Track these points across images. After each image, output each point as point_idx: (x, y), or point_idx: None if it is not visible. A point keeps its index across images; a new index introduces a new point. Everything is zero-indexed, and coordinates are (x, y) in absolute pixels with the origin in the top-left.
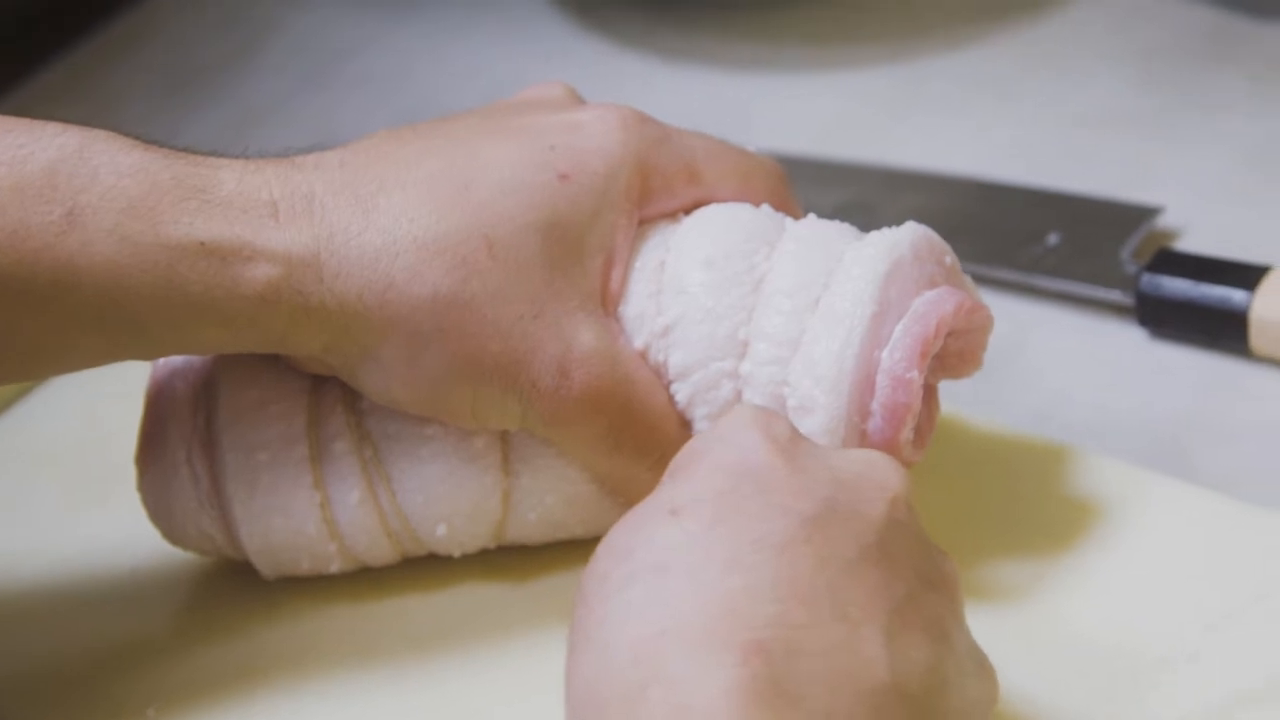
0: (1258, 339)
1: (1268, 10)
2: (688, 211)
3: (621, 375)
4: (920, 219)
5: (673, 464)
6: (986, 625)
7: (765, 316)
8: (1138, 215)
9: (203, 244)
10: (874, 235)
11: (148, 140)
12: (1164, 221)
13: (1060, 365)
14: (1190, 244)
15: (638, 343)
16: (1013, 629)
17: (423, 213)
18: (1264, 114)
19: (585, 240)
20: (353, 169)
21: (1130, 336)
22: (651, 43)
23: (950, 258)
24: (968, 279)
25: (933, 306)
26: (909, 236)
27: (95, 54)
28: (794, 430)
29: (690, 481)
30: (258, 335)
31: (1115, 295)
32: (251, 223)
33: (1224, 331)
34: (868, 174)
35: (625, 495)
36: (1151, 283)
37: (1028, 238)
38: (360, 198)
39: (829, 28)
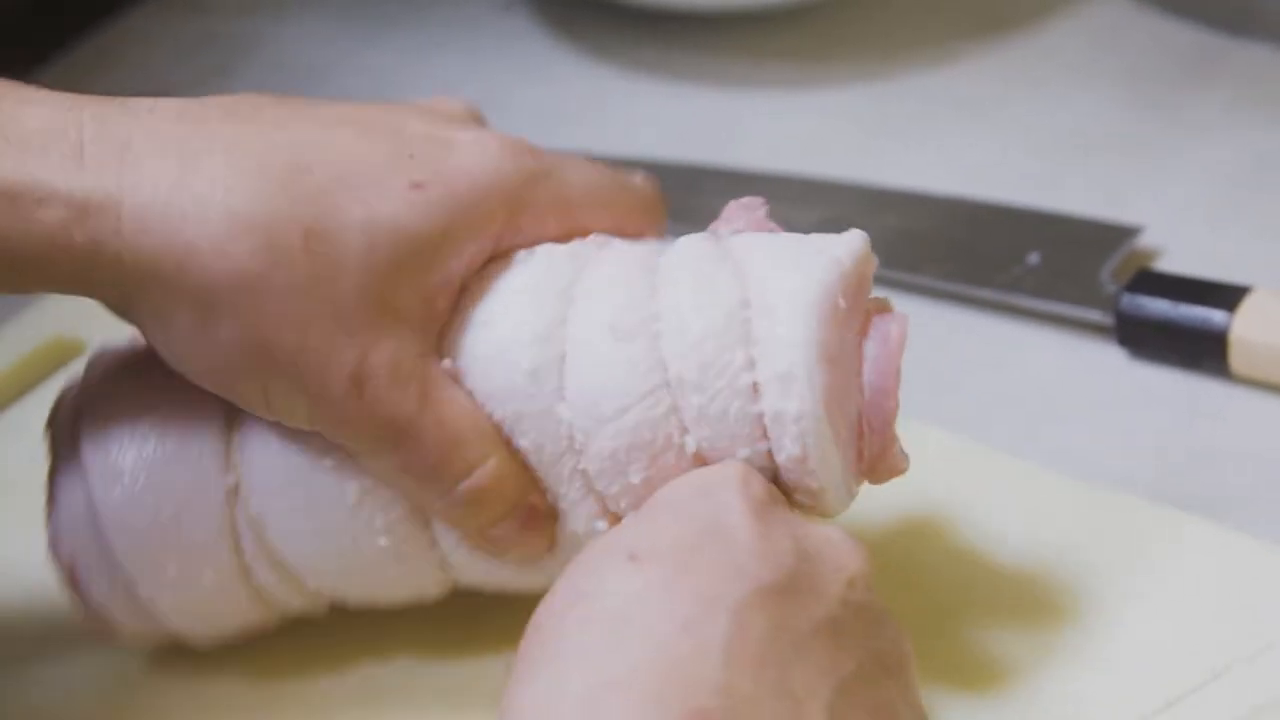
0: (1238, 360)
1: (1248, 29)
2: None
3: (418, 397)
4: (899, 238)
5: (645, 504)
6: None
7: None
8: (1118, 235)
9: None
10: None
11: None
12: (1144, 241)
13: (1039, 385)
14: (1170, 264)
15: (521, 362)
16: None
17: (245, 185)
18: (1244, 134)
19: (422, 254)
20: (189, 123)
21: (1110, 357)
22: (632, 59)
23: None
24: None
25: (894, 322)
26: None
27: (69, 72)
28: (771, 493)
29: (655, 528)
30: (48, 280)
31: (1095, 315)
32: (50, 163)
33: (1204, 352)
34: (847, 192)
35: (428, 513)
36: (1131, 303)
37: (1007, 257)
38: (183, 155)
39: (810, 46)
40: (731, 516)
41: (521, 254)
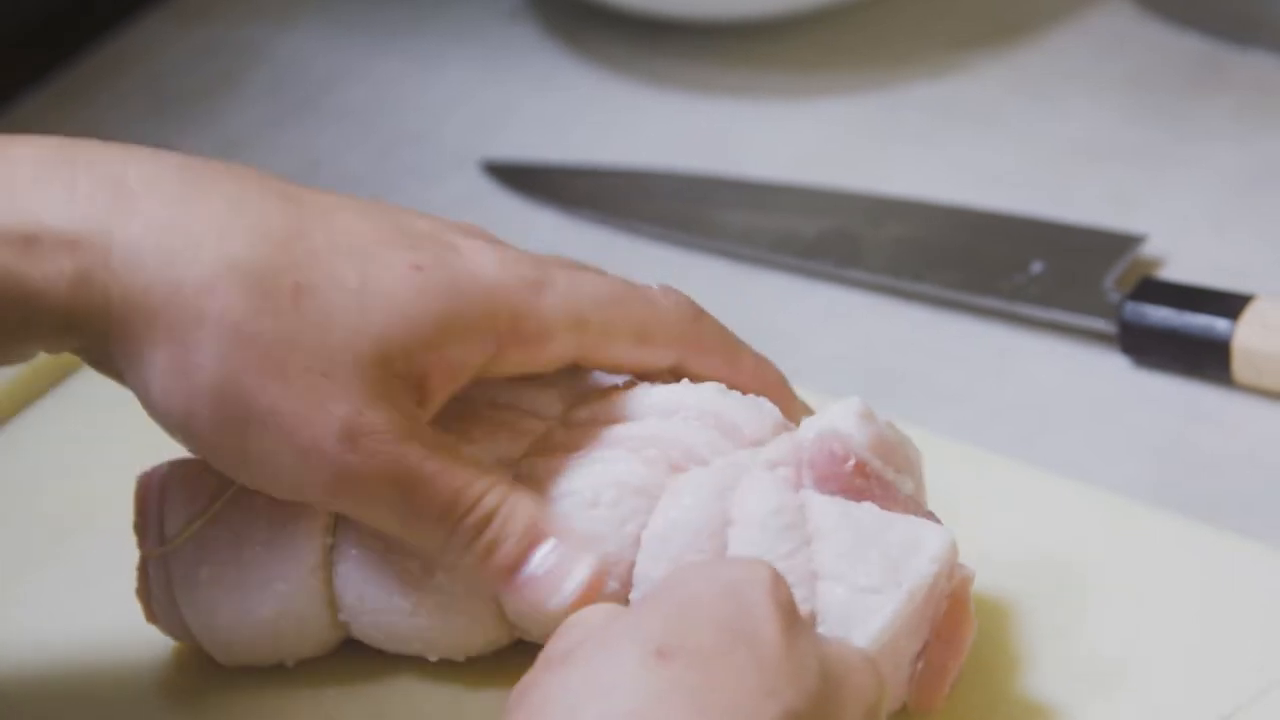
0: (1241, 368)
1: (1252, 39)
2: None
3: (421, 448)
4: (903, 247)
5: (664, 588)
6: None
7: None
8: (1121, 244)
9: None
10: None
11: None
12: (1147, 250)
13: (1043, 393)
14: (1173, 272)
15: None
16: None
17: (240, 234)
18: (1247, 142)
19: (416, 331)
20: (190, 171)
21: (1113, 365)
22: (636, 69)
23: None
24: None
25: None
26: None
27: (76, 82)
28: (795, 603)
29: (683, 625)
30: (32, 324)
31: (1098, 324)
32: (42, 199)
33: (1207, 360)
34: (850, 202)
35: (439, 563)
36: (1135, 311)
37: (1011, 266)
38: (181, 197)
39: (813, 55)
40: (762, 627)
41: (581, 463)
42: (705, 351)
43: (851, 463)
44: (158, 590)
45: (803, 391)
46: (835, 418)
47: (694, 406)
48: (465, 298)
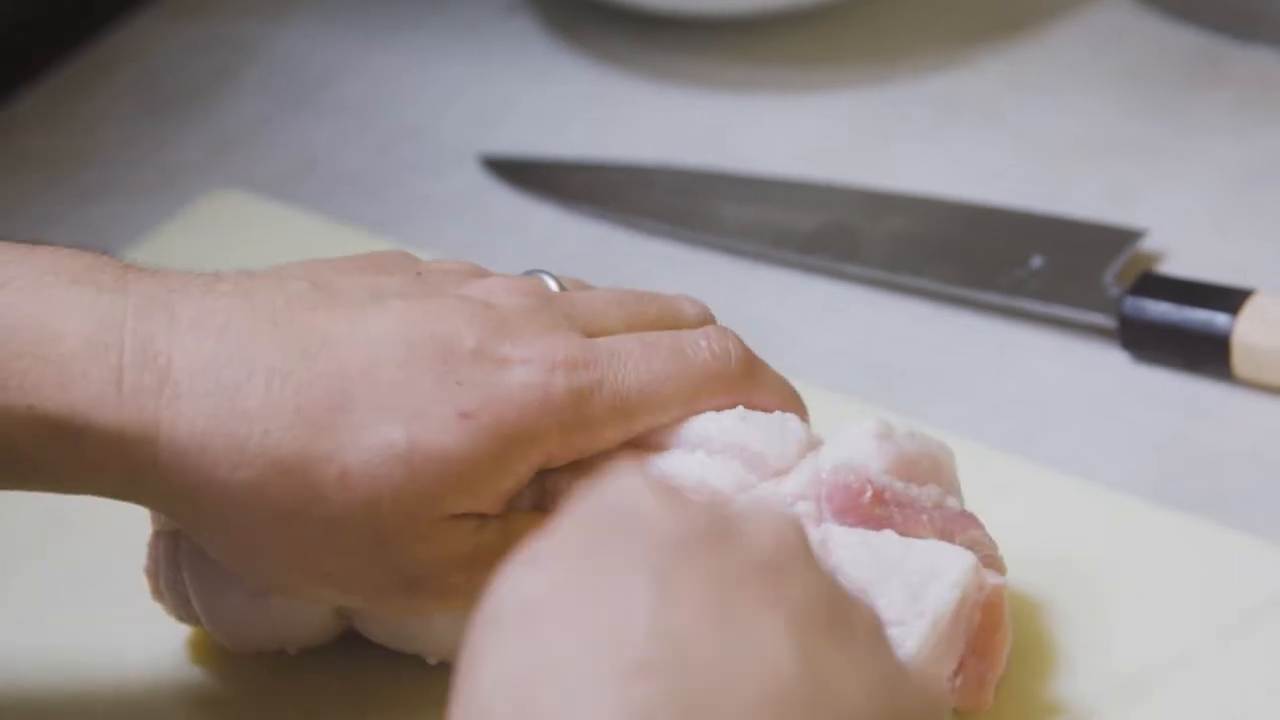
0: (1241, 363)
1: (1251, 33)
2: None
3: (470, 577)
4: (902, 242)
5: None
6: None
7: None
8: (1121, 238)
9: (31, 407)
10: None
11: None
12: (1147, 245)
13: (1042, 388)
14: (1173, 267)
15: None
16: None
17: (281, 427)
18: (1248, 137)
19: (468, 479)
20: (230, 342)
21: (1113, 360)
22: (635, 63)
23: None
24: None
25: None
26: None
27: (72, 79)
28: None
29: (553, 533)
30: (94, 492)
31: (1098, 318)
32: (90, 391)
33: (1207, 355)
34: (850, 197)
35: None
36: (1134, 306)
37: (1010, 261)
38: (222, 386)
39: (812, 50)
40: (637, 497)
41: None
42: (750, 400)
43: (869, 494)
44: (165, 566)
45: (801, 386)
46: (851, 446)
47: (718, 439)
48: (515, 433)
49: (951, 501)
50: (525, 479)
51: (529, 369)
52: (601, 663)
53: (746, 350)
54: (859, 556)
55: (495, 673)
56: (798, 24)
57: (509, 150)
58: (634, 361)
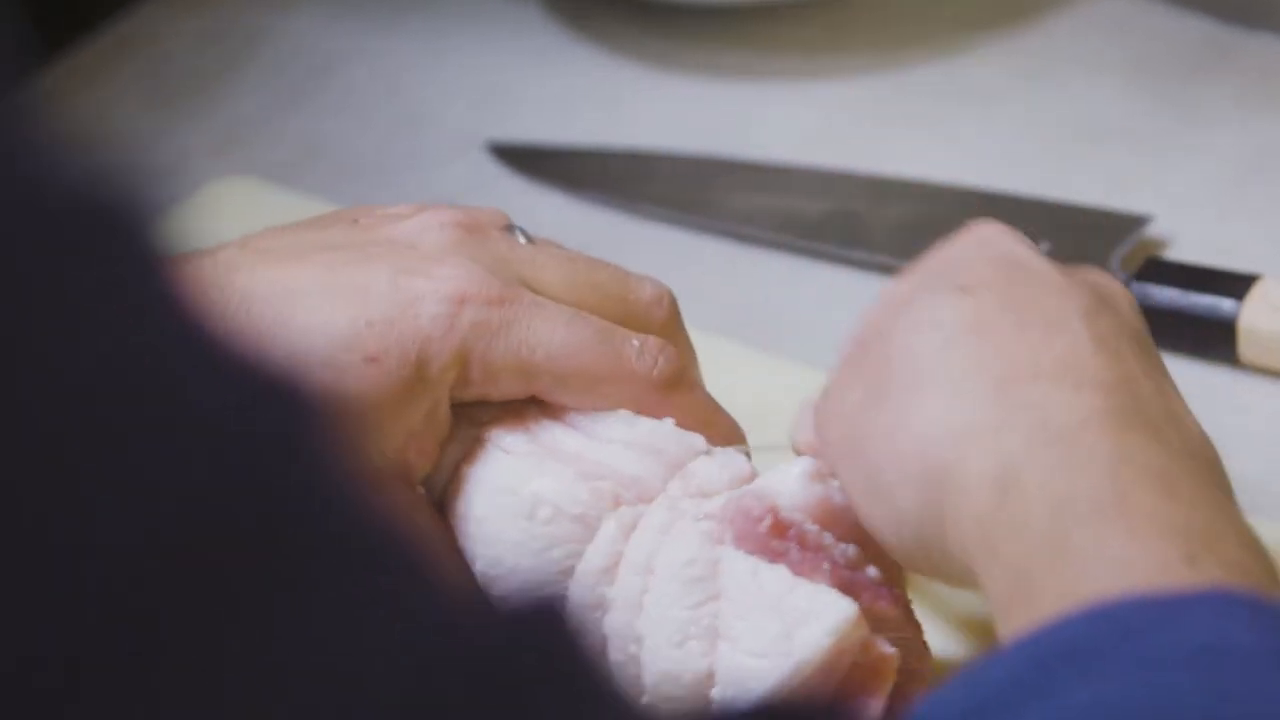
0: (1246, 348)
1: (1257, 21)
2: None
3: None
4: (907, 228)
5: (924, 263)
6: None
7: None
8: (1126, 224)
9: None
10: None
11: None
12: (1153, 230)
13: None
14: (1179, 253)
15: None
16: None
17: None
18: (1253, 124)
19: (384, 424)
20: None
21: None
22: (642, 50)
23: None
24: None
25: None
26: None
27: (78, 68)
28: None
29: (965, 271)
30: None
31: None
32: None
33: (1212, 341)
34: (855, 183)
35: None
36: (1140, 292)
37: None
38: None
39: (820, 38)
40: (1027, 258)
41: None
42: (662, 416)
43: (767, 523)
44: None
45: (806, 371)
46: (775, 477)
47: (646, 440)
48: (416, 371)
49: (871, 571)
50: (436, 416)
51: (436, 300)
52: (1073, 377)
53: (681, 371)
54: (744, 583)
55: (975, 374)
56: (804, 11)
57: (516, 137)
58: (553, 322)
